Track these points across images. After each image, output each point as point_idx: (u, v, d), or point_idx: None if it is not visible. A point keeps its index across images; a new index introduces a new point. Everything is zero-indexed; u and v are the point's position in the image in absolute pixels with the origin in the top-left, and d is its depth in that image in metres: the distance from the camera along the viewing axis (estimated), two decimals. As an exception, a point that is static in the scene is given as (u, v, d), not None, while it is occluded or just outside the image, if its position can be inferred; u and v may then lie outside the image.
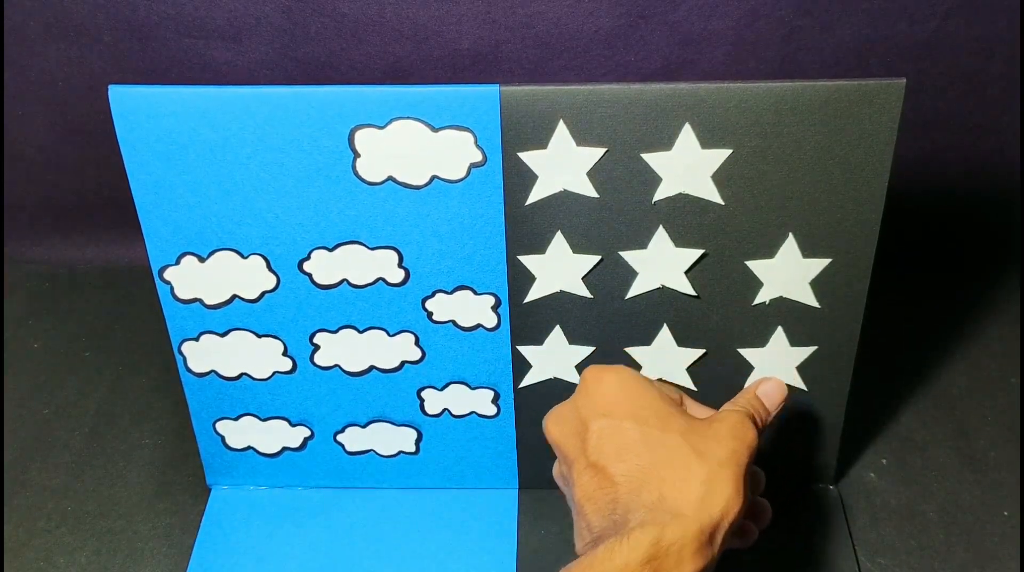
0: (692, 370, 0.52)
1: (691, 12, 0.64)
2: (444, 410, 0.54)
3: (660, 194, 0.46)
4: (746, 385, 0.46)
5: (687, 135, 0.44)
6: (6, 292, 0.75)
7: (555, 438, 0.43)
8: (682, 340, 0.51)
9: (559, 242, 0.48)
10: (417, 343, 0.52)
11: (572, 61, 0.67)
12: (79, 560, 0.54)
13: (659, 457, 0.38)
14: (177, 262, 0.49)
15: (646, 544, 0.35)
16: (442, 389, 0.53)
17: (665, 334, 0.51)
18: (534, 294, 0.50)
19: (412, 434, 0.55)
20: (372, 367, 0.53)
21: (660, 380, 0.48)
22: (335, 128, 0.45)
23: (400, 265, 0.49)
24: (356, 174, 0.46)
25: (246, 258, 0.49)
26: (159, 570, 0.53)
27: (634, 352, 0.52)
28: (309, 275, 0.49)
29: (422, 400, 0.54)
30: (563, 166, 0.46)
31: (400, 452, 0.56)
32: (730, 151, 0.45)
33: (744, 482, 0.38)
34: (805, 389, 0.52)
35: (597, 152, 0.45)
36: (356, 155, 0.46)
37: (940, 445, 0.60)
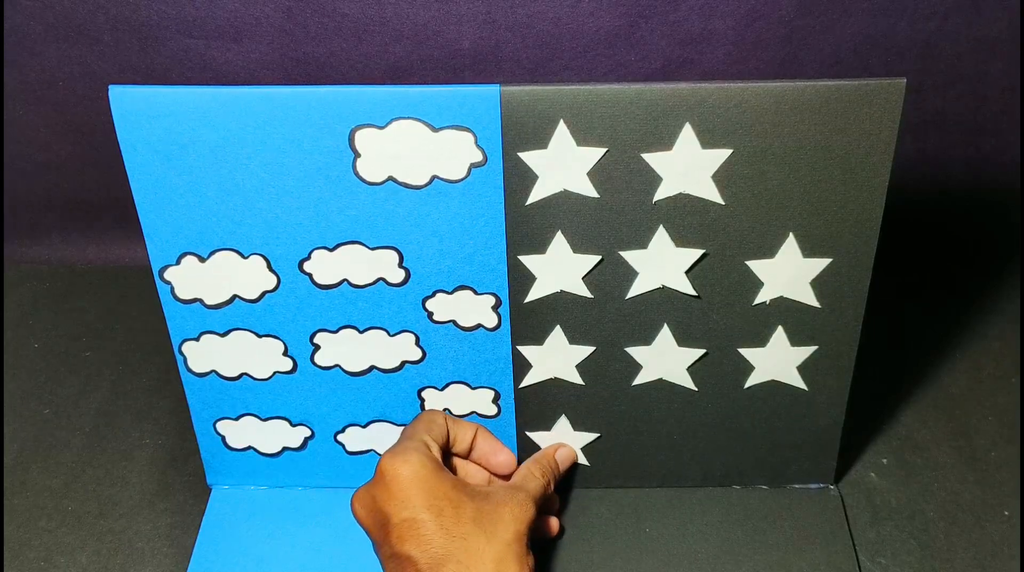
0: (692, 370, 0.52)
1: (691, 12, 0.64)
2: (445, 410, 0.54)
3: (660, 194, 0.46)
4: (547, 449, 0.55)
5: (687, 135, 0.44)
6: (6, 292, 0.75)
7: (362, 521, 0.47)
8: (682, 340, 0.51)
9: (559, 242, 0.48)
10: (417, 343, 0.52)
11: (572, 61, 0.67)
12: (79, 560, 0.54)
13: (455, 544, 0.43)
14: (177, 262, 0.49)
15: None
16: (443, 389, 0.53)
17: (665, 334, 0.51)
18: (534, 294, 0.50)
19: (412, 434, 0.55)
20: (372, 367, 0.53)
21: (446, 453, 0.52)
22: (335, 128, 0.45)
23: (400, 265, 0.49)
24: (356, 174, 0.46)
25: (246, 258, 0.49)
26: (159, 570, 0.53)
27: (634, 352, 0.52)
28: (309, 275, 0.49)
29: (423, 400, 0.54)
30: (563, 166, 0.46)
31: (400, 452, 0.56)
32: (730, 151, 0.45)
33: (524, 555, 0.45)
34: (805, 389, 0.53)
35: (597, 152, 0.45)
36: (356, 155, 0.46)
37: (940, 445, 0.60)
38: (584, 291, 0.49)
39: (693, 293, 0.49)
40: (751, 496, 0.56)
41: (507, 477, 0.53)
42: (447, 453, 0.51)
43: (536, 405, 0.54)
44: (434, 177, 0.46)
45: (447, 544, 0.43)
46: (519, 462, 0.54)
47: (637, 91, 0.44)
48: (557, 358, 0.52)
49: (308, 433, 0.55)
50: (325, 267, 0.49)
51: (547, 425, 0.55)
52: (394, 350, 0.52)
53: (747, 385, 0.53)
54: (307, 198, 0.47)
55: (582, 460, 0.56)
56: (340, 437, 0.56)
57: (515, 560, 0.44)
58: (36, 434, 0.62)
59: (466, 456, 0.53)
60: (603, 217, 0.47)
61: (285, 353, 0.52)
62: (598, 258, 0.48)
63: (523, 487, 0.49)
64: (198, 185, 0.47)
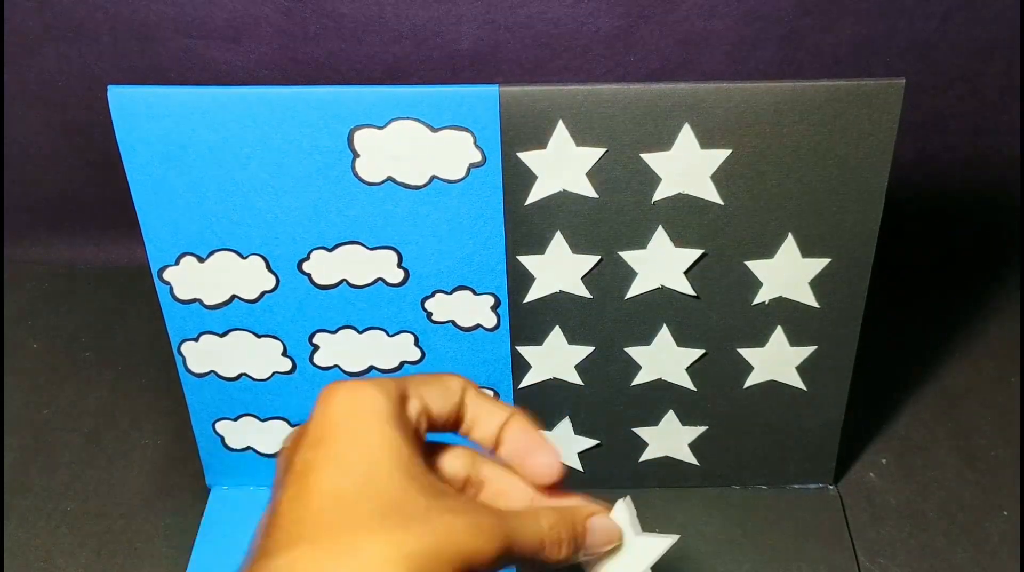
0: (692, 370, 0.52)
1: (691, 12, 0.64)
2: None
3: (659, 194, 0.46)
4: (587, 507, 0.35)
5: (686, 135, 0.44)
6: (6, 292, 0.75)
7: (278, 462, 0.33)
8: (682, 340, 0.51)
9: (558, 242, 0.48)
10: (416, 343, 0.52)
11: (572, 61, 0.67)
12: (79, 560, 0.54)
13: (334, 518, 0.28)
14: (176, 262, 0.49)
15: None
16: (442, 389, 0.53)
17: (664, 334, 0.51)
18: (533, 294, 0.50)
19: (412, 434, 0.55)
20: (372, 367, 0.53)
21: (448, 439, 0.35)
22: (334, 128, 0.45)
23: (399, 265, 0.49)
24: (355, 174, 0.46)
25: (245, 258, 0.49)
26: (159, 570, 0.53)
27: (633, 352, 0.52)
28: (308, 275, 0.49)
29: (422, 400, 0.54)
30: (562, 166, 0.46)
31: (400, 452, 0.56)
32: (729, 151, 0.45)
33: None
34: (804, 389, 0.52)
35: (596, 152, 0.45)
36: (355, 155, 0.46)
37: (940, 445, 0.60)
38: (583, 291, 0.49)
39: (692, 293, 0.49)
40: (751, 496, 0.56)
41: (549, 492, 0.35)
42: (441, 429, 0.34)
43: (536, 406, 0.54)
44: (433, 177, 0.46)
45: (325, 512, 0.28)
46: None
47: (636, 91, 0.44)
48: (556, 358, 0.52)
49: (307, 433, 0.55)
50: (324, 267, 0.49)
51: (547, 426, 0.55)
52: (393, 350, 0.52)
53: (746, 385, 0.53)
54: (306, 198, 0.47)
55: (577, 466, 0.50)
56: (339, 437, 0.55)
57: (390, 563, 0.27)
58: (36, 434, 0.62)
59: (492, 449, 0.35)
60: (602, 217, 0.47)
61: (284, 353, 0.52)
62: (597, 258, 0.48)
63: (506, 518, 0.31)
64: (197, 185, 0.47)
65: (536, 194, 0.47)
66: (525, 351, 0.52)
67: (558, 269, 0.49)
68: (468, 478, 0.35)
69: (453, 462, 0.35)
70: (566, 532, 0.33)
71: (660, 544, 0.36)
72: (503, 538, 0.30)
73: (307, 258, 0.49)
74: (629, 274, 0.49)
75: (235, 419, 0.55)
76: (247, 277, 0.49)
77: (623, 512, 0.36)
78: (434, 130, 0.45)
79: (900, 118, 0.44)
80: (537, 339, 0.51)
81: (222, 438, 0.56)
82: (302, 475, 0.30)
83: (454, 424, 0.35)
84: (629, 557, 0.36)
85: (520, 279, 0.49)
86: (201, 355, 0.52)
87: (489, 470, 0.35)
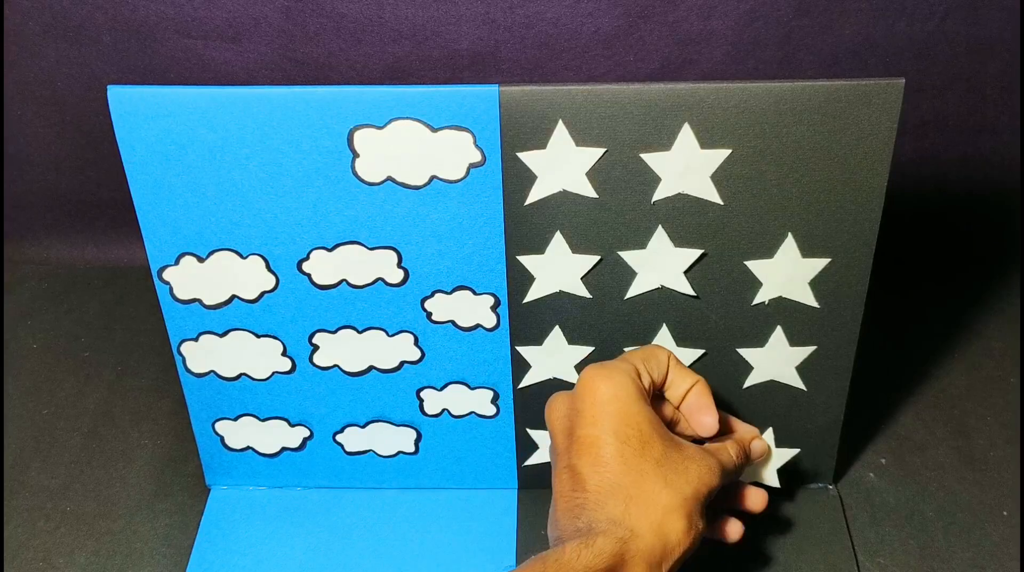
0: (692, 370, 0.52)
1: (690, 12, 0.64)
2: (443, 410, 0.54)
3: (659, 194, 0.46)
4: (747, 432, 0.50)
5: (686, 135, 0.44)
6: (6, 292, 0.75)
7: (550, 427, 0.46)
8: (681, 340, 0.51)
9: (558, 242, 0.48)
10: (416, 343, 0.52)
11: (571, 61, 0.67)
12: (78, 560, 0.54)
13: (630, 478, 0.41)
14: (176, 262, 0.49)
15: (609, 552, 0.39)
16: (441, 389, 0.53)
17: (664, 334, 0.51)
18: (533, 294, 0.50)
19: (411, 434, 0.55)
20: (371, 367, 0.53)
21: (657, 394, 0.48)
22: (334, 128, 0.45)
23: (399, 265, 0.49)
24: (355, 174, 0.46)
25: (245, 258, 0.49)
26: (159, 570, 0.53)
27: (633, 352, 0.52)
28: (308, 275, 0.49)
29: (421, 400, 0.54)
30: (562, 166, 0.46)
31: (399, 452, 0.56)
32: (729, 151, 0.45)
33: (697, 519, 0.42)
34: (804, 389, 0.52)
35: (596, 152, 0.45)
36: (355, 155, 0.46)
37: (939, 445, 0.60)
38: (583, 291, 0.49)
39: (692, 293, 0.49)
40: (750, 496, 0.56)
41: (701, 443, 0.48)
42: (659, 395, 0.48)
43: (535, 405, 0.54)
44: (433, 177, 0.46)
45: (622, 474, 0.41)
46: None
47: (636, 91, 0.44)
48: (556, 358, 0.52)
49: (307, 433, 0.55)
50: (324, 267, 0.49)
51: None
52: (393, 350, 0.52)
53: (746, 385, 0.53)
54: (306, 198, 0.47)
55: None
56: (339, 437, 0.56)
57: (685, 515, 0.41)
58: (35, 434, 0.62)
59: (676, 406, 0.48)
60: (602, 217, 0.47)
61: (284, 353, 0.52)
62: (597, 258, 0.48)
63: (715, 455, 0.45)
64: (197, 185, 0.47)
65: (536, 194, 0.47)
66: (525, 351, 0.52)
67: (558, 269, 0.49)
68: (671, 418, 0.47)
69: (665, 411, 0.47)
70: (743, 457, 0.48)
71: (788, 453, 0.52)
72: (722, 471, 0.44)
73: (307, 258, 0.49)
74: (629, 274, 0.49)
75: (235, 419, 0.55)
76: (247, 277, 0.49)
77: (769, 434, 0.51)
78: (434, 130, 0.45)
79: (900, 118, 0.44)
80: (537, 339, 0.51)
81: (222, 438, 0.56)
82: (592, 447, 0.42)
83: (660, 387, 0.47)
84: (769, 463, 0.52)
85: (520, 279, 0.49)
86: (201, 355, 0.52)
87: (678, 412, 0.48)
